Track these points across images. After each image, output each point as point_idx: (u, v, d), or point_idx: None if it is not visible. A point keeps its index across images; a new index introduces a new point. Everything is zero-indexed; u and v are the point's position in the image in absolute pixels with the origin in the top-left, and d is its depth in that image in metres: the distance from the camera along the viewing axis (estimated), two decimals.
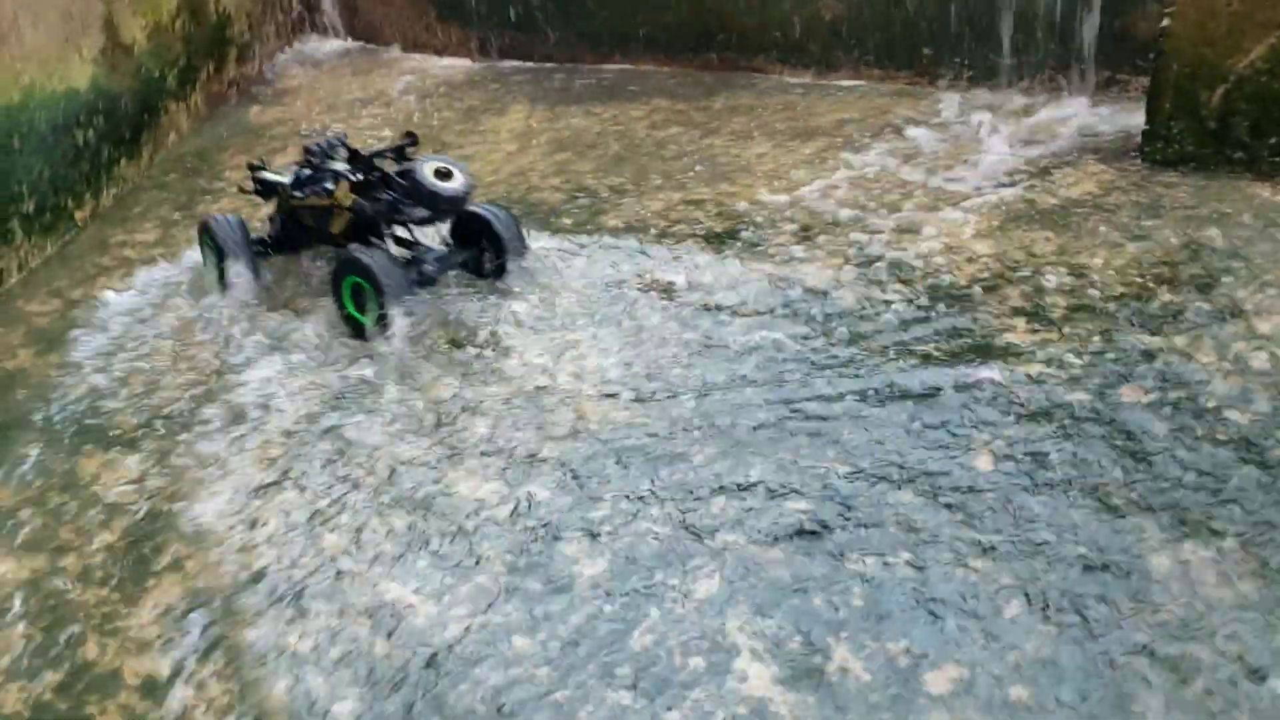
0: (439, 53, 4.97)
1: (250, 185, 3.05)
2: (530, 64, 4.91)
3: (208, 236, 2.99)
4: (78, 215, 3.48)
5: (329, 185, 2.84)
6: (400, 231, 2.96)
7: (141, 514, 2.28)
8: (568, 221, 3.42)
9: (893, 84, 4.36)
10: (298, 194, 2.93)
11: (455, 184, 2.73)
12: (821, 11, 4.42)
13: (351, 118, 4.34)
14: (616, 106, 4.36)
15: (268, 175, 3.02)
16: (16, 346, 2.91)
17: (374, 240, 2.86)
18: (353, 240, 2.87)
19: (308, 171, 2.92)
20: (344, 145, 2.93)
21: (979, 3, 4.13)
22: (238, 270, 2.94)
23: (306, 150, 2.97)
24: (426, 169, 2.73)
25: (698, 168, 3.75)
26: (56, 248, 3.36)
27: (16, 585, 2.13)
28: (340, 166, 2.88)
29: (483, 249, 2.95)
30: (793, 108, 4.21)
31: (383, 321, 2.71)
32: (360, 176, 2.83)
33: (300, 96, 4.61)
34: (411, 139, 2.94)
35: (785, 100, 4.28)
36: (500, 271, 2.95)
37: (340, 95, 4.61)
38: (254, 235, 3.07)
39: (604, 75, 4.73)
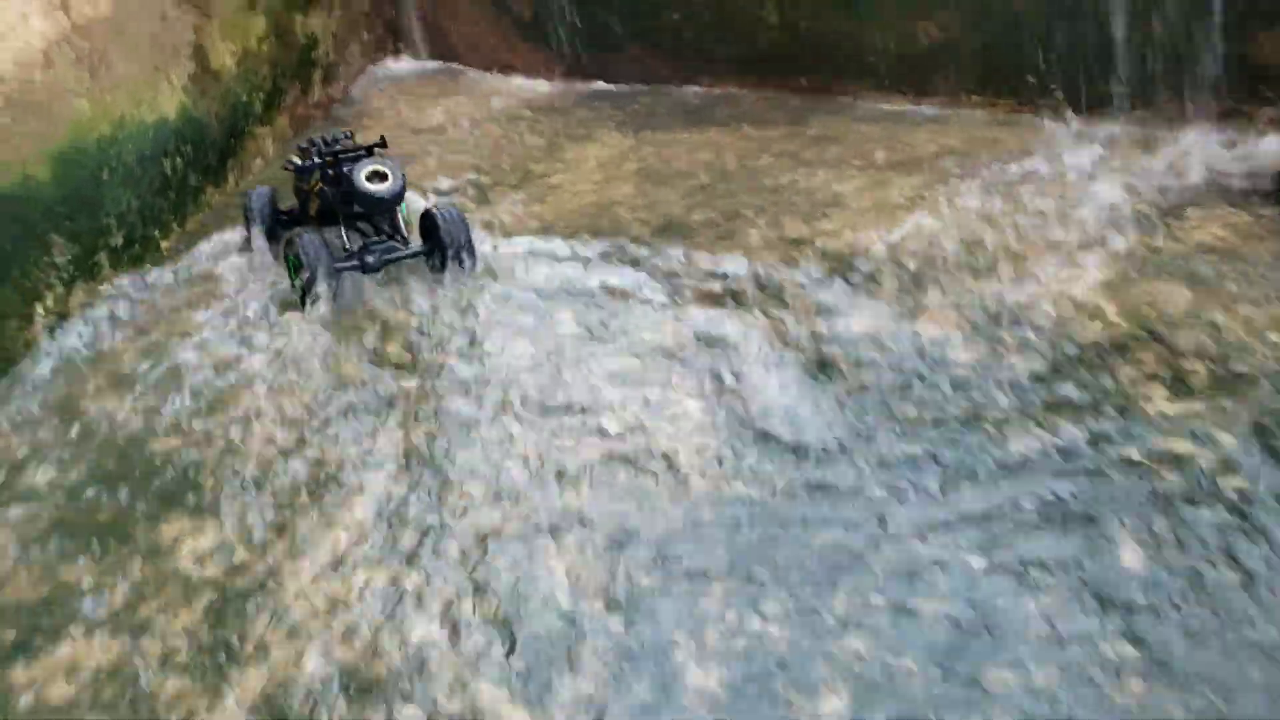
0: (522, 74, 4.77)
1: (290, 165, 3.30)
2: (613, 86, 4.69)
3: (243, 204, 3.32)
4: (164, 245, 3.35)
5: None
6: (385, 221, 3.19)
7: None
8: (657, 260, 3.21)
9: (994, 112, 4.08)
10: (302, 177, 3.24)
11: (382, 186, 2.96)
12: (918, 34, 4.14)
13: (434, 143, 4.17)
14: (703, 133, 4.13)
15: (294, 158, 3.25)
16: (102, 389, 2.78)
17: (349, 225, 3.14)
18: (323, 223, 3.18)
19: (310, 161, 3.17)
20: (347, 139, 3.20)
21: (1088, 27, 3.84)
22: (256, 235, 3.25)
23: (310, 141, 3.23)
24: (361, 170, 2.97)
25: (793, 201, 3.52)
26: (144, 277, 3.22)
27: None
28: (319, 160, 3.14)
29: (433, 247, 3.12)
30: (889, 137, 3.95)
31: (306, 295, 2.96)
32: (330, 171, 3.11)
33: (383, 119, 4.44)
34: (381, 142, 3.14)
35: (880, 128, 4.02)
36: (442, 267, 3.09)
37: (423, 118, 4.43)
38: (285, 207, 3.36)
39: (689, 98, 4.50)
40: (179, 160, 3.41)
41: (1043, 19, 3.91)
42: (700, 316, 2.89)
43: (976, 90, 4.12)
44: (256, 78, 3.87)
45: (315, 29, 4.27)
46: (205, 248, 3.37)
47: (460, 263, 3.06)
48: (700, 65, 4.57)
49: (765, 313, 2.89)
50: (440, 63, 4.89)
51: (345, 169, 2.99)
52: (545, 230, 3.44)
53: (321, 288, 2.91)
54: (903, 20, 4.14)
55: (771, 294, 2.97)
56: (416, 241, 3.15)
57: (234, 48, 3.72)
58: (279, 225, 3.29)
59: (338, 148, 3.11)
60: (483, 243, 3.34)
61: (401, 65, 4.86)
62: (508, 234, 3.42)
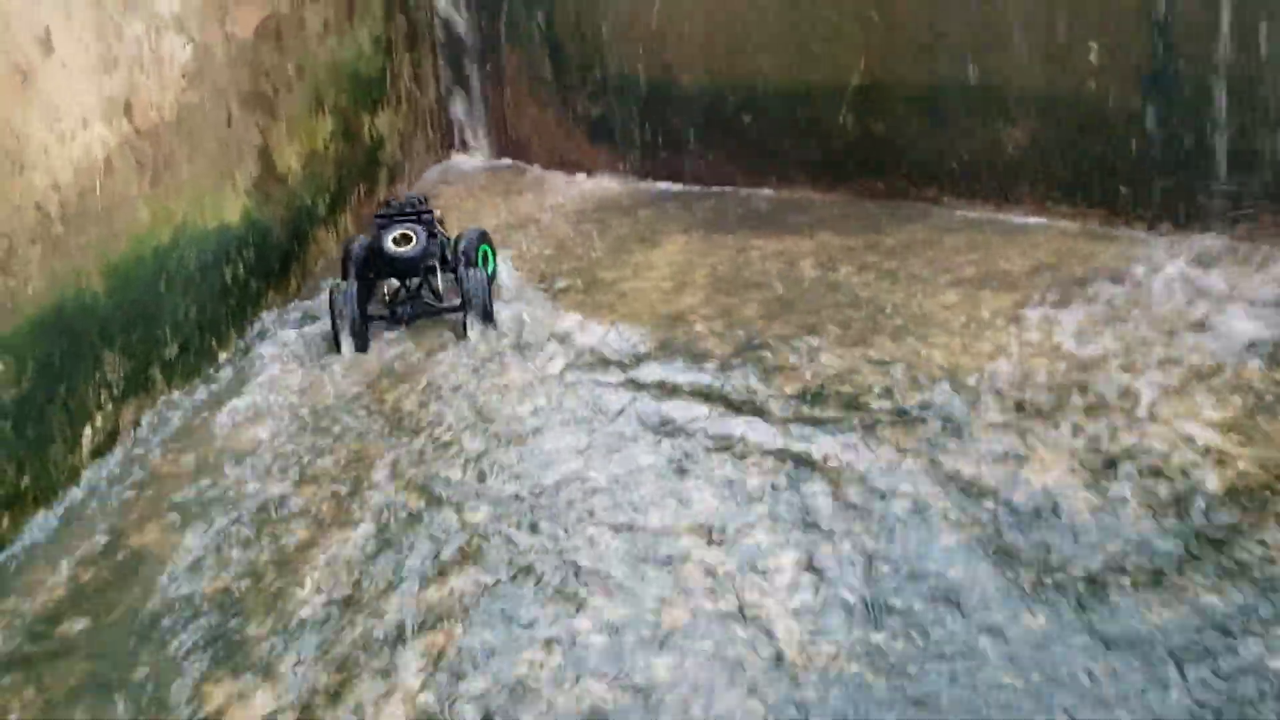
0: (586, 172, 4.60)
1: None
2: (679, 186, 4.49)
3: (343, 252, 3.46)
4: (221, 355, 3.15)
5: None
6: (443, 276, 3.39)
7: None
8: (736, 383, 2.96)
9: (1083, 223, 3.81)
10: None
11: (401, 249, 3.19)
12: (1003, 140, 3.91)
13: (499, 245, 3.97)
14: (777, 239, 3.90)
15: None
16: (147, 519, 2.55)
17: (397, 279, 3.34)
18: (381, 277, 3.36)
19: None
20: (421, 204, 3.43)
21: (1187, 136, 3.59)
22: (351, 283, 3.28)
23: (386, 203, 3.50)
24: (389, 232, 3.22)
25: (877, 318, 3.26)
26: (197, 390, 3.02)
27: None
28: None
29: (459, 306, 3.27)
30: (976, 248, 3.69)
31: (335, 339, 3.18)
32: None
33: (447, 217, 4.25)
34: (426, 210, 3.40)
35: (965, 239, 3.77)
36: (462, 326, 3.25)
37: (487, 217, 4.24)
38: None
39: (759, 202, 4.28)
40: (240, 266, 3.23)
41: (1137, 127, 3.66)
42: (788, 449, 2.63)
43: (1065, 200, 3.86)
44: (322, 179, 3.71)
45: (382, 128, 4.13)
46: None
47: (478, 321, 3.23)
48: (771, 167, 4.37)
49: (859, 448, 2.62)
50: (505, 160, 4.72)
51: (380, 230, 3.25)
52: (616, 342, 3.21)
53: (345, 337, 3.15)
54: (986, 125, 3.91)
55: (864, 425, 2.70)
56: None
57: (300, 149, 3.57)
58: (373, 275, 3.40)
59: (390, 210, 3.37)
60: (551, 356, 3.16)
61: (466, 162, 4.70)
62: (577, 348, 3.20)
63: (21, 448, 2.43)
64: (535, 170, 4.63)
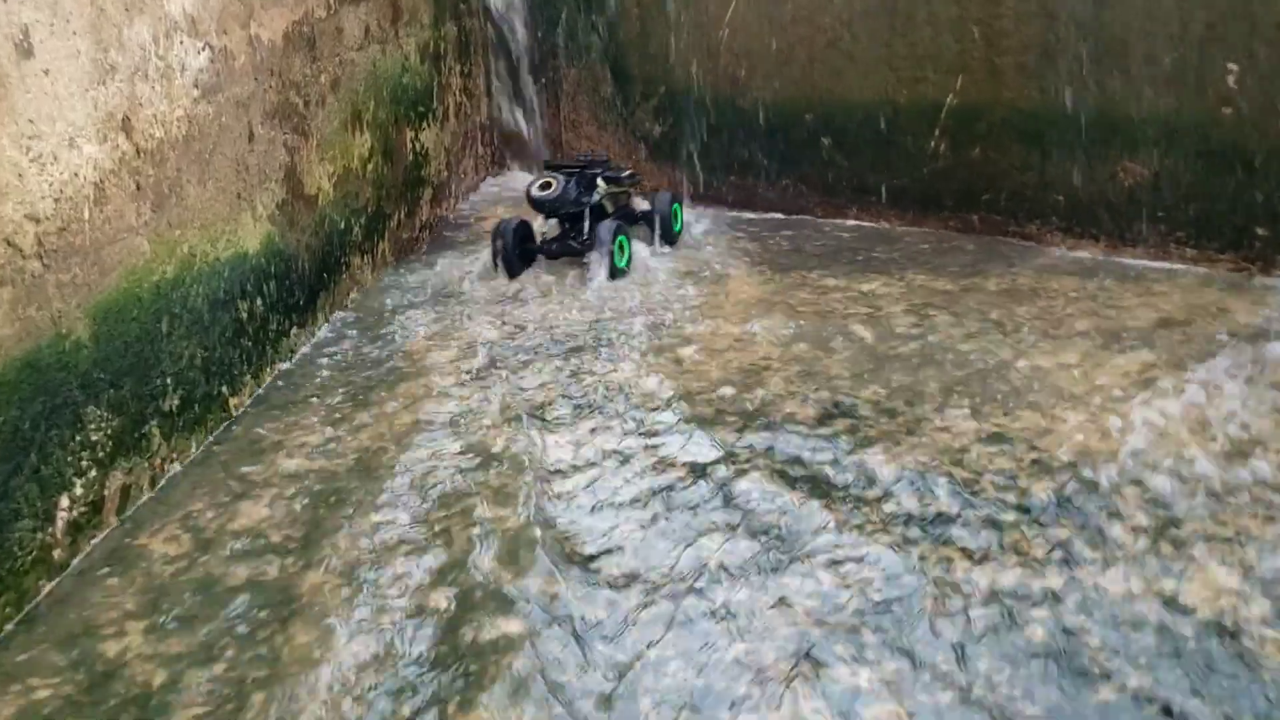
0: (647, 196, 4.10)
1: None
2: (750, 214, 3.98)
3: None
4: (232, 402, 2.69)
5: None
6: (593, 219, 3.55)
7: None
8: (824, 459, 2.44)
9: (1211, 269, 3.24)
10: None
11: (540, 192, 3.41)
12: (1119, 174, 3.35)
13: (558, 281, 3.49)
14: (862, 279, 3.37)
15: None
16: (129, 618, 2.08)
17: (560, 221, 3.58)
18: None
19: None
20: (597, 161, 3.61)
21: None
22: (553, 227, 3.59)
23: (578, 156, 3.83)
24: (537, 180, 3.44)
25: (984, 379, 2.71)
26: (200, 449, 2.56)
27: None
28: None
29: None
30: (1087, 296, 3.13)
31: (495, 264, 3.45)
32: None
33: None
34: (589, 164, 3.55)
35: (1076, 285, 3.21)
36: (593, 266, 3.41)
37: None
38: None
39: (840, 234, 3.76)
40: (259, 301, 2.77)
41: (1276, 161, 3.10)
42: (885, 560, 2.08)
43: (1189, 242, 3.29)
44: (357, 201, 3.24)
45: (427, 144, 3.65)
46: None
47: (604, 268, 3.38)
48: (852, 196, 3.84)
49: (981, 555, 2.08)
50: None
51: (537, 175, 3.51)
52: (681, 403, 2.69)
53: (498, 264, 3.40)
54: (1100, 155, 3.35)
55: (983, 524, 2.17)
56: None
57: (332, 169, 3.10)
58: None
59: (562, 163, 3.58)
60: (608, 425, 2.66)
61: (517, 181, 4.22)
62: (640, 405, 2.70)
63: None
64: None
